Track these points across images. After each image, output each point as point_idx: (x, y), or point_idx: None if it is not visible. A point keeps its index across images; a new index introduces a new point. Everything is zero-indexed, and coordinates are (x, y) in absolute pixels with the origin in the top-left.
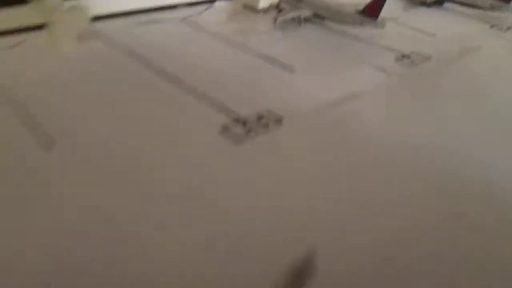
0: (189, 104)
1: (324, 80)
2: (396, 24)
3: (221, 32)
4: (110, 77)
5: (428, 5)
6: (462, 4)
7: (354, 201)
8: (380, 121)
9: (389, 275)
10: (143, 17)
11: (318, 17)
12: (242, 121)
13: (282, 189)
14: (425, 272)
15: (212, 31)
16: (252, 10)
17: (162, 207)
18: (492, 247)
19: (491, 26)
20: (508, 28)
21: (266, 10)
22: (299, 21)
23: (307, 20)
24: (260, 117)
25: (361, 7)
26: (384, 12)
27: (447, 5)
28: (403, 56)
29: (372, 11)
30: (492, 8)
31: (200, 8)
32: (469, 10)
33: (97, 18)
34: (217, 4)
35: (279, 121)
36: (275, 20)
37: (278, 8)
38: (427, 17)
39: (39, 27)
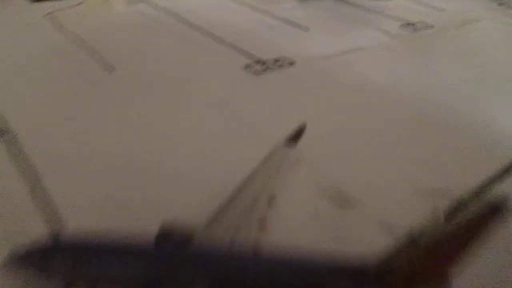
0: (220, 50)
1: (334, 38)
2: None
3: (246, 1)
4: (156, 29)
5: None
6: None
7: (350, 128)
8: (379, 69)
9: None
10: None
11: None
12: (261, 62)
13: (291, 108)
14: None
15: (239, 0)
16: None
17: (203, 115)
18: None
19: (499, 4)
20: None
21: None
22: None
23: None
24: (276, 60)
25: None
26: None
27: None
28: (408, 24)
29: None
30: None
31: None
32: None
33: None
34: None
35: (292, 63)
36: None
37: None
38: None
39: None
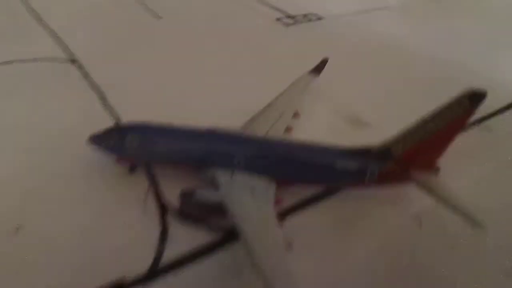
0: (255, 6)
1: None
2: None
3: None
4: None
5: None
6: None
7: (366, 72)
8: (401, 27)
9: None
10: None
11: None
12: (291, 16)
13: (316, 54)
14: None
15: None
16: None
17: (240, 57)
18: None
19: None
20: None
21: None
22: None
23: None
24: (305, 15)
25: None
26: None
27: None
28: None
29: None
30: None
31: None
32: None
33: None
34: None
35: (320, 19)
36: None
37: None
38: None
39: None
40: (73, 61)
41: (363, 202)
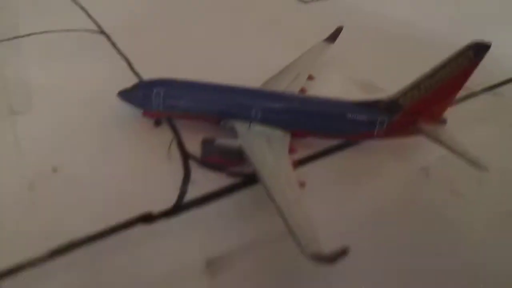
0: None
1: None
2: None
3: None
4: None
5: None
6: None
7: (378, 44)
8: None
9: None
10: None
11: None
12: None
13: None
14: None
15: None
16: None
17: (260, 30)
18: None
19: None
20: None
21: None
22: None
23: None
24: None
25: None
26: None
27: None
28: None
29: None
30: None
31: None
32: None
33: None
34: None
35: None
36: None
37: None
38: None
39: None
40: (102, 32)
41: (372, 154)
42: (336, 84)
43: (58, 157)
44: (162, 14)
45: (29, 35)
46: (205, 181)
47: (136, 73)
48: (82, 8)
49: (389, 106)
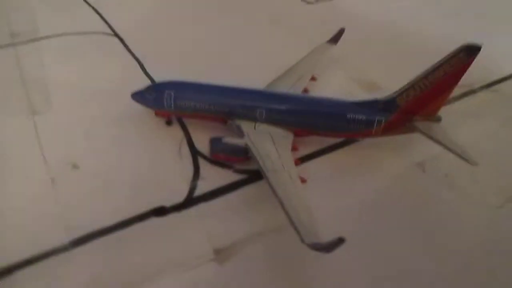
0: None
1: None
2: None
3: None
4: None
5: None
6: None
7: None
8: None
9: None
10: None
11: None
12: None
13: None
14: None
15: None
16: None
17: (267, 29)
18: None
19: None
20: None
21: None
22: None
23: None
24: None
25: None
26: None
27: None
28: None
29: None
30: None
31: None
32: None
33: None
34: None
35: None
36: None
37: None
38: None
39: None
40: (116, 34)
41: (370, 151)
42: (338, 84)
43: (77, 154)
44: (171, 18)
45: (48, 37)
46: (213, 177)
47: (147, 74)
48: (97, 12)
49: (387, 106)
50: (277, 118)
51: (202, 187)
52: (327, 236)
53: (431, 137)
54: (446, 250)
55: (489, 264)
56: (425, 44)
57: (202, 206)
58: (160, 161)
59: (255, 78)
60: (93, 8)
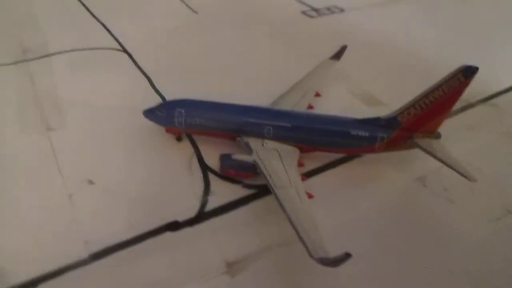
0: (285, 2)
1: None
2: None
3: None
4: None
5: None
6: None
7: (381, 60)
8: (414, 17)
9: None
10: None
11: None
12: (315, 9)
13: (337, 42)
14: None
15: None
16: None
17: (269, 42)
18: None
19: None
20: None
21: None
22: None
23: None
24: (328, 8)
25: None
26: None
27: None
28: None
29: None
30: None
31: None
32: None
33: None
34: None
35: (342, 10)
36: None
37: None
38: None
39: None
40: (125, 50)
41: (373, 166)
42: (340, 99)
43: (92, 170)
44: (177, 35)
45: (58, 53)
46: (223, 192)
47: (155, 89)
48: (105, 27)
49: (389, 123)
50: (284, 135)
51: (213, 202)
52: (333, 250)
53: (431, 153)
54: (447, 262)
55: (489, 277)
56: (425, 60)
57: (214, 221)
58: (171, 177)
59: (260, 92)
60: (102, 23)
